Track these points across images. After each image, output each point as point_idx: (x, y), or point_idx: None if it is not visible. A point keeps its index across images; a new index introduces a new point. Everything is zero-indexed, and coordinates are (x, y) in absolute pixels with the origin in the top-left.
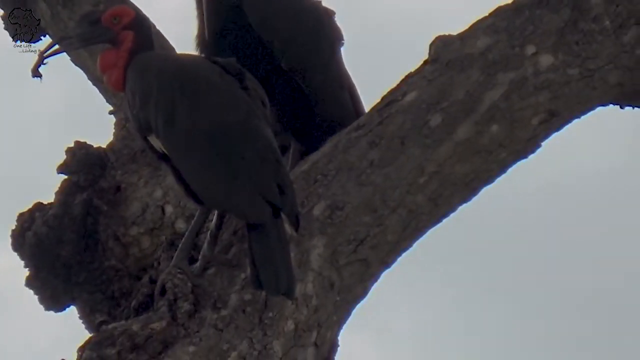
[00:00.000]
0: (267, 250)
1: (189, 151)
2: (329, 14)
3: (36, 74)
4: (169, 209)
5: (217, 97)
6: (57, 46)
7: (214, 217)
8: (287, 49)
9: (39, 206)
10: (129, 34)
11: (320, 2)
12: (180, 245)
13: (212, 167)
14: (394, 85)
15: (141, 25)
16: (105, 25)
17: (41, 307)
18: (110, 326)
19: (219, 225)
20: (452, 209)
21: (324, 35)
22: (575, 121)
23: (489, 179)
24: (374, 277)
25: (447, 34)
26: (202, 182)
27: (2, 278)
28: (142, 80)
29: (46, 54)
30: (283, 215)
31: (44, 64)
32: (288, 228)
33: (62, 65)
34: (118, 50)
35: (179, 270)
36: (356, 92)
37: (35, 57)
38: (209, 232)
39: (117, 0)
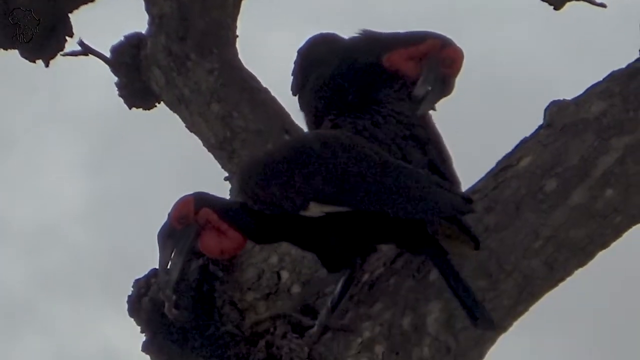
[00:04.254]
0: (463, 283)
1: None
2: None
3: None
4: (284, 274)
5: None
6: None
7: (339, 286)
8: None
9: (155, 272)
10: (205, 210)
11: None
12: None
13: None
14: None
15: (204, 198)
16: (181, 228)
17: None
18: None
19: (342, 294)
20: (568, 273)
21: None
22: None
23: (604, 243)
24: (490, 341)
25: (562, 98)
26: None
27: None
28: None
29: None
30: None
31: None
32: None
33: (177, 129)
34: (210, 228)
35: (294, 336)
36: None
37: None
38: (329, 300)
39: (230, 78)
